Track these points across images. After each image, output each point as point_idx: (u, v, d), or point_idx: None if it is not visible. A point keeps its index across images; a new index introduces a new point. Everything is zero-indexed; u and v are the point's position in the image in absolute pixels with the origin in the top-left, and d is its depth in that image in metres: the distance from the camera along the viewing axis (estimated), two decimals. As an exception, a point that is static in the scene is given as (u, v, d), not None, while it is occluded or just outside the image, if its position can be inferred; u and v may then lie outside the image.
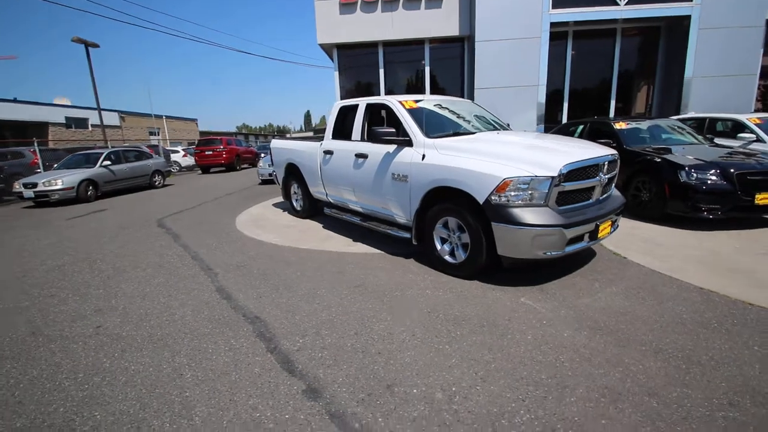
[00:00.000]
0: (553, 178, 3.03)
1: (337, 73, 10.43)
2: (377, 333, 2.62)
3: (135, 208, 8.45)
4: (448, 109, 4.68)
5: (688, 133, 6.27)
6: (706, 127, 7.24)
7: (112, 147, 12.78)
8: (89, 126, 27.51)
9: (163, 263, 4.34)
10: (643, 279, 3.38)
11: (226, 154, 17.05)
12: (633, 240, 4.45)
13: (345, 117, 5.11)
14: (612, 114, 10.45)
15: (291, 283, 3.59)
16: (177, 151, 19.78)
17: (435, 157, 3.62)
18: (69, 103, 28.18)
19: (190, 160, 19.68)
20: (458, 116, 4.62)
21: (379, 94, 10.58)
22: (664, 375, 2.09)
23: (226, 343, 2.56)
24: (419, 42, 10.22)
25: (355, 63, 10.66)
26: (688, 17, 8.99)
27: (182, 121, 39.66)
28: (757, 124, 6.47)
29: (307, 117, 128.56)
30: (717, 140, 6.56)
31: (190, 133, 40.38)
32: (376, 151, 4.31)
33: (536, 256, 3.10)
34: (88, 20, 61.09)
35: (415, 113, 4.15)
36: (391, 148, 4.11)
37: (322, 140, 5.42)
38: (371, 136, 4.07)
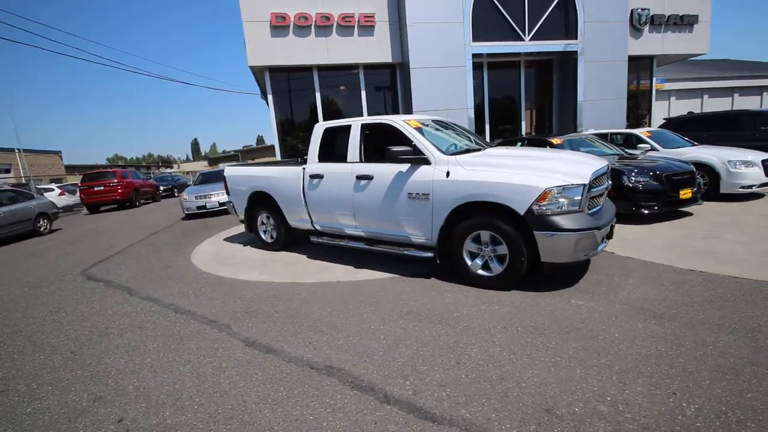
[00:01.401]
0: (584, 185, 3.31)
1: (271, 97, 9.91)
2: (479, 358, 2.47)
3: (31, 262, 6.61)
4: (436, 127, 4.79)
5: (604, 145, 7.49)
6: (608, 140, 8.75)
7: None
8: None
9: (140, 324, 3.45)
10: (645, 269, 3.85)
11: (121, 188, 14.63)
12: (604, 237, 5.05)
13: (332, 139, 4.86)
14: (523, 132, 11.94)
15: (331, 321, 3.18)
16: (51, 189, 16.24)
17: (462, 173, 3.65)
18: None
19: (68, 199, 16.33)
20: (452, 134, 4.76)
21: (317, 118, 10.35)
22: (745, 346, 2.38)
23: (324, 404, 2.13)
24: (354, 67, 10.36)
25: (289, 87, 10.29)
26: (575, 52, 10.89)
27: (42, 155, 32.96)
28: (648, 137, 8.06)
29: (195, 145, 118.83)
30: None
31: (53, 168, 33.74)
32: (384, 171, 4.16)
33: (578, 258, 3.31)
34: None
35: (423, 132, 4.15)
36: (404, 167, 4.02)
37: (303, 164, 5.04)
38: (386, 156, 3.93)
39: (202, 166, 57.91)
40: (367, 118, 4.58)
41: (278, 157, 10.18)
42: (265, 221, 5.81)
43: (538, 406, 1.98)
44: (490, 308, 3.21)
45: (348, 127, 4.64)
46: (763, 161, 6.69)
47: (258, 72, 10.14)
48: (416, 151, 3.96)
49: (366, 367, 2.46)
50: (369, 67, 10.44)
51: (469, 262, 3.74)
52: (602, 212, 3.67)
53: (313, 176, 4.82)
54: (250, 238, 6.58)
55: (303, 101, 10.50)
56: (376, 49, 10.02)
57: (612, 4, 10.81)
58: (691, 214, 6.00)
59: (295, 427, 1.97)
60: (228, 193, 6.24)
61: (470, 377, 2.27)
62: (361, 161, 4.46)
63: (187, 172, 38.03)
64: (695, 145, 7.97)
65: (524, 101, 11.82)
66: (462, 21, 9.87)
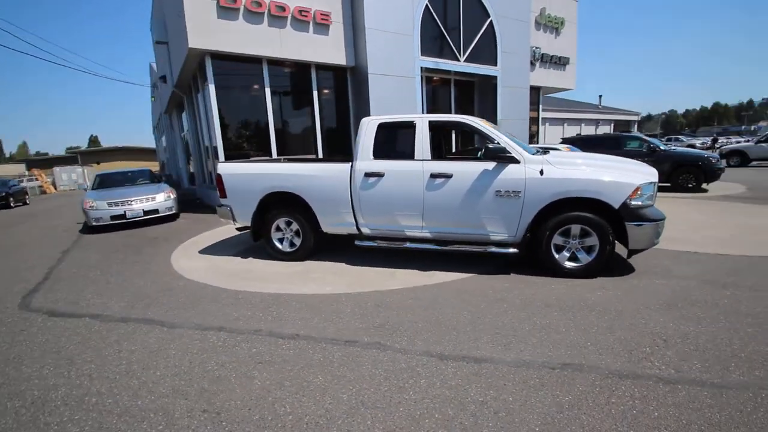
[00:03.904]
0: (655, 182, 3.95)
1: (212, 87, 8.47)
2: (685, 334, 2.70)
3: None
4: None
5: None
6: (537, 153, 10.33)
7: None
8: None
9: (255, 359, 2.61)
10: (662, 254, 4.66)
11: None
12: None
13: (389, 135, 4.54)
14: (453, 147, 13.05)
15: (489, 322, 3.01)
16: None
17: (554, 172, 3.90)
18: None
19: None
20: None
21: (266, 115, 9.31)
22: (807, 299, 3.23)
23: (662, 403, 2.05)
24: (307, 66, 9.71)
25: (234, 78, 8.99)
26: (495, 77, 12.52)
27: None
28: (568, 151, 9.84)
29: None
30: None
31: None
32: (465, 169, 4.13)
33: (653, 245, 3.91)
34: None
35: (501, 132, 4.28)
36: (490, 165, 4.06)
37: (350, 162, 4.56)
38: (485, 154, 3.94)
39: (12, 171, 44.18)
40: (434, 116, 4.46)
41: (221, 155, 8.71)
42: (283, 227, 4.98)
43: (778, 361, 2.32)
44: (608, 293, 3.50)
45: (410, 124, 4.43)
46: (652, 172, 8.92)
47: (194, 56, 8.55)
48: (503, 149, 4.06)
49: (619, 361, 2.42)
50: (321, 68, 9.91)
51: (556, 255, 4.01)
52: (654, 207, 4.39)
53: (369, 174, 4.41)
54: (245, 248, 5.55)
55: (249, 96, 9.29)
56: (331, 50, 9.61)
57: (519, 40, 12.85)
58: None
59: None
60: (223, 195, 5.12)
61: (712, 350, 2.47)
62: (432, 159, 4.31)
63: None
64: (598, 159, 10.10)
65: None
66: (412, 34, 10.32)
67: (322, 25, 9.39)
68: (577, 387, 2.16)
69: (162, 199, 8.21)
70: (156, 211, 8.04)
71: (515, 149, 4.05)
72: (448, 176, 4.17)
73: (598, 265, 3.89)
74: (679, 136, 38.14)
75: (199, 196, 12.39)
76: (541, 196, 3.90)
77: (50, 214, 12.15)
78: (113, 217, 7.61)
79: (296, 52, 9.16)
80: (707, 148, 26.50)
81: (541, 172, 3.92)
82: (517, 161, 4.02)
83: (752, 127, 69.55)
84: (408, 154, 4.38)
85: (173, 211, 8.43)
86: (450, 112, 12.79)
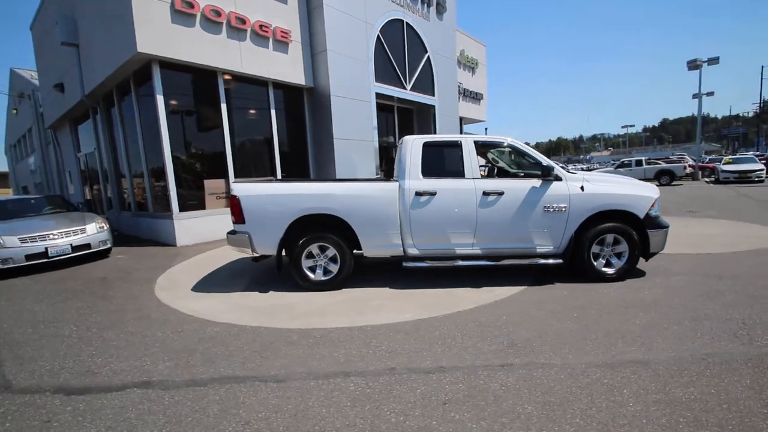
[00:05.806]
0: (659, 196, 4.72)
1: (161, 98, 7.24)
2: (749, 322, 3.25)
3: None
4: None
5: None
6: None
7: None
8: None
9: (431, 398, 2.26)
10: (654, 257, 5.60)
11: None
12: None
13: (435, 154, 4.51)
14: (396, 167, 13.42)
15: (604, 329, 3.17)
16: None
17: (592, 188, 4.37)
18: None
19: None
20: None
21: (222, 133, 8.30)
22: (780, 282, 4.20)
23: (786, 374, 2.38)
24: (264, 83, 9.04)
25: (185, 94, 7.83)
26: (433, 106, 13.45)
27: None
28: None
29: None
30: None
31: None
32: (515, 186, 4.35)
33: (662, 249, 4.62)
34: None
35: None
36: (537, 182, 4.36)
37: (393, 180, 4.40)
38: (543, 173, 4.21)
39: None
40: (479, 136, 4.63)
41: (171, 178, 7.37)
42: (316, 253, 4.46)
43: (833, 329, 2.97)
44: (653, 292, 4.01)
45: (456, 143, 4.51)
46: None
47: (135, 63, 7.21)
48: (551, 168, 4.39)
49: (739, 345, 2.77)
50: (279, 86, 9.30)
51: (595, 263, 4.44)
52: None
53: (420, 193, 4.31)
54: (251, 280, 4.79)
55: (201, 112, 8.13)
56: (290, 69, 9.12)
57: (450, 75, 14.15)
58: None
59: (826, 392, 2.17)
60: (240, 221, 4.37)
61: None
62: (480, 177, 4.42)
63: None
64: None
65: (397, 141, 13.40)
66: (367, 61, 10.51)
67: (282, 43, 8.95)
68: (741, 371, 2.42)
69: (93, 230, 6.56)
70: (88, 246, 6.38)
71: (558, 168, 4.43)
72: (500, 193, 4.33)
73: (629, 268, 4.43)
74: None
75: (116, 228, 10.22)
76: (583, 210, 4.32)
77: None
78: (29, 257, 5.77)
79: (255, 67, 8.50)
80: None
81: (582, 189, 4.35)
82: (560, 179, 4.39)
83: (587, 157, 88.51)
84: (457, 173, 4.43)
85: (108, 246, 6.80)
86: (394, 136, 13.24)
